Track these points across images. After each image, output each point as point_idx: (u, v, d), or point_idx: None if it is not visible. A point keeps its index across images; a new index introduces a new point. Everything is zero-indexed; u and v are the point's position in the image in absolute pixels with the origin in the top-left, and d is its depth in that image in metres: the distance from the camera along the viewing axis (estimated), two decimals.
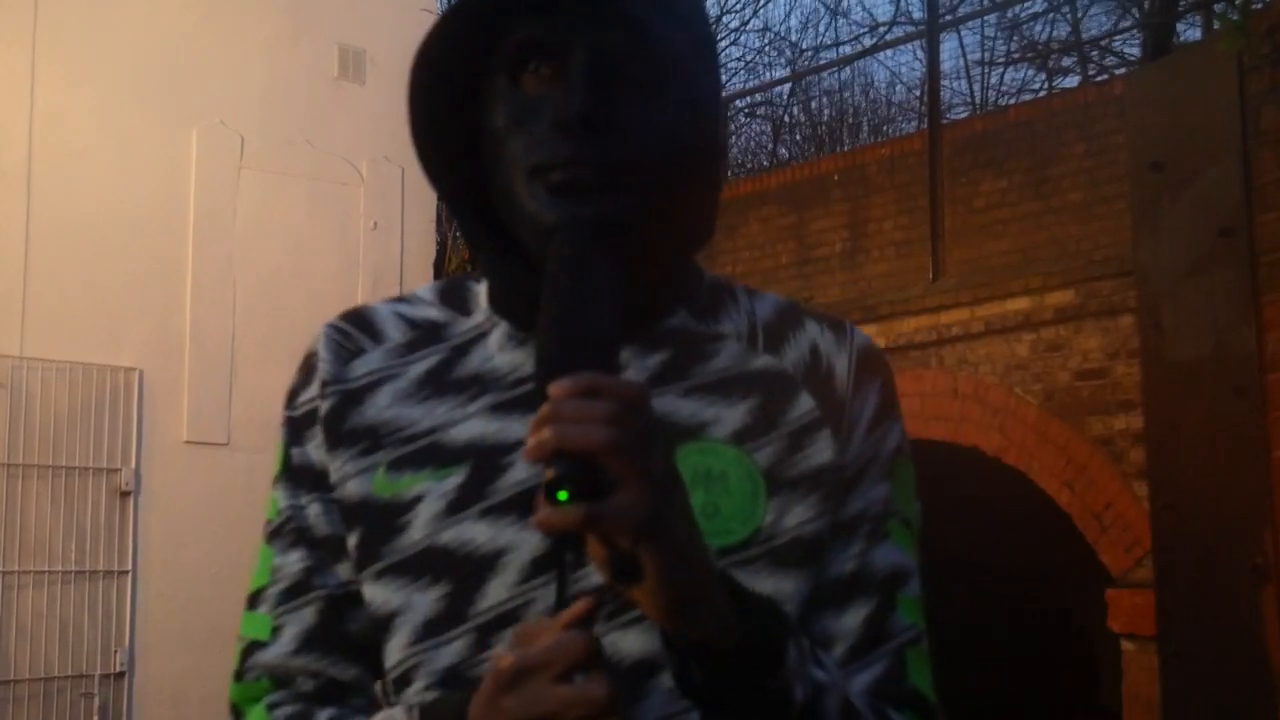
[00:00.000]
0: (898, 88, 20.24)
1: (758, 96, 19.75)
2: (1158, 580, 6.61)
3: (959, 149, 8.79)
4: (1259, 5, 6.23)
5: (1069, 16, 14.84)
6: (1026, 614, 10.55)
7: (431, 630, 1.21)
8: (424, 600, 1.21)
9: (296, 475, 1.32)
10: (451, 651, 1.19)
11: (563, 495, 0.98)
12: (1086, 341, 7.63)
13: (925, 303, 8.39)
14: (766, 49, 21.64)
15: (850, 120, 21.14)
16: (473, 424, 1.26)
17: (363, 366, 1.31)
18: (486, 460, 1.24)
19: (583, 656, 1.01)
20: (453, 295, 1.35)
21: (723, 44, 22.26)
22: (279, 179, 11.18)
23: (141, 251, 10.32)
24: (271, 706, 1.29)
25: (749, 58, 22.03)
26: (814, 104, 20.87)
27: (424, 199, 12.38)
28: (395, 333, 1.33)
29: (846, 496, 1.25)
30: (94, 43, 10.30)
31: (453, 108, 1.26)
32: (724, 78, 20.50)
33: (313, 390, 1.34)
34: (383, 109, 11.83)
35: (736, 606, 1.08)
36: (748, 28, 22.12)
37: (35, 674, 9.38)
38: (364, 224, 11.69)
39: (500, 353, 1.29)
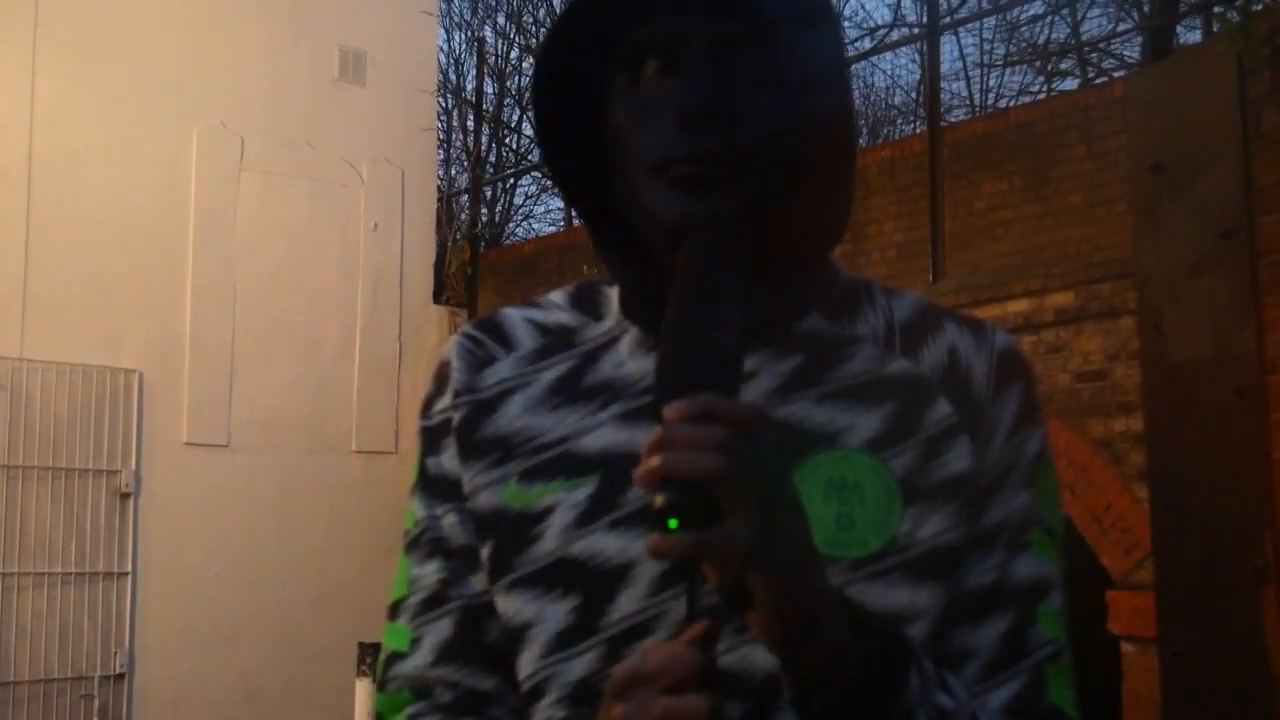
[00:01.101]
0: (897, 90, 20.24)
1: None
2: (1158, 582, 6.60)
3: (959, 151, 8.78)
4: (1259, 7, 6.22)
5: (1068, 19, 14.84)
6: None
7: (563, 642, 1.20)
8: (556, 612, 1.21)
9: (432, 485, 1.31)
10: (583, 664, 1.18)
11: (672, 523, 0.97)
12: (1087, 343, 7.63)
13: None
14: None
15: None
16: (603, 433, 1.24)
17: (494, 375, 1.30)
18: (617, 470, 1.22)
19: (693, 672, 1.00)
20: (585, 299, 1.33)
21: None
22: (279, 180, 11.18)
23: (142, 253, 10.33)
24: (412, 718, 1.28)
25: None
26: (854, 99, 20.87)
27: (424, 200, 12.39)
28: (527, 340, 1.32)
29: (986, 505, 1.22)
30: (95, 44, 10.31)
31: (575, 110, 1.23)
32: None
33: (446, 400, 1.32)
34: (383, 111, 11.84)
35: (856, 632, 1.05)
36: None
37: (35, 675, 9.38)
38: (364, 225, 11.69)
39: (631, 359, 1.27)
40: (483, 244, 13.71)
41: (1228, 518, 6.16)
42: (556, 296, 1.36)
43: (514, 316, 1.35)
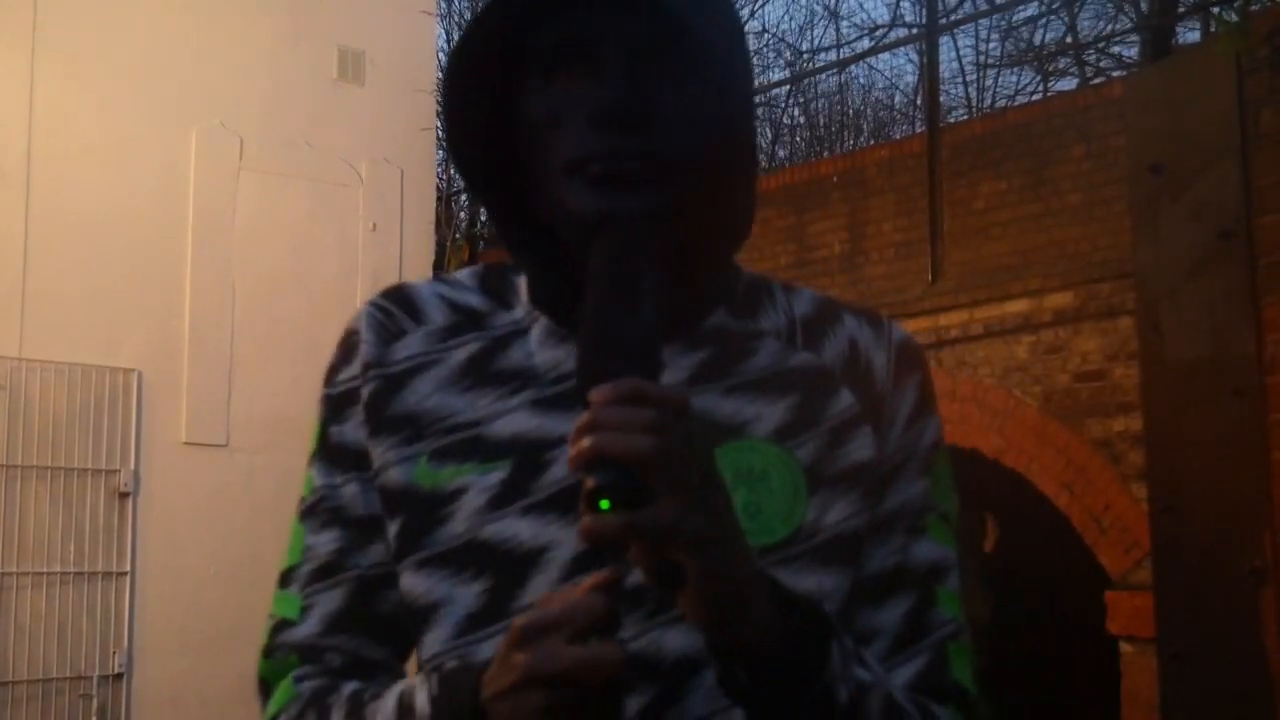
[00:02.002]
0: (896, 92, 20.25)
1: (757, 98, 19.77)
2: (1156, 582, 6.61)
3: (958, 151, 8.79)
4: (1257, 7, 6.23)
5: (1065, 19, 14.85)
6: (1024, 615, 10.55)
7: (473, 624, 1.21)
8: (466, 594, 1.22)
9: (333, 454, 1.33)
10: (492, 646, 1.18)
11: (604, 504, 0.98)
12: (1085, 343, 7.64)
13: (924, 305, 8.39)
14: (765, 50, 21.64)
15: (847, 122, 21.16)
16: (515, 418, 1.25)
17: (404, 350, 1.31)
18: (529, 456, 1.24)
19: (599, 618, 1.02)
20: (493, 284, 1.35)
21: None
22: (278, 180, 11.18)
23: (141, 253, 10.33)
24: (299, 679, 1.29)
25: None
26: (813, 106, 20.88)
27: (423, 200, 12.39)
28: (437, 315, 1.32)
29: (885, 492, 1.26)
30: (94, 44, 10.30)
31: (488, 107, 1.25)
32: None
33: (354, 369, 1.32)
34: (382, 110, 11.84)
35: (780, 609, 1.08)
36: (746, 29, 22.13)
37: (34, 675, 9.38)
38: (363, 225, 11.69)
39: (541, 349, 1.29)
40: (482, 243, 13.73)
41: (1226, 518, 6.16)
42: (464, 276, 1.37)
43: (424, 290, 1.35)
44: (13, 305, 9.74)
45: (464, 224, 13.89)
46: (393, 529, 1.27)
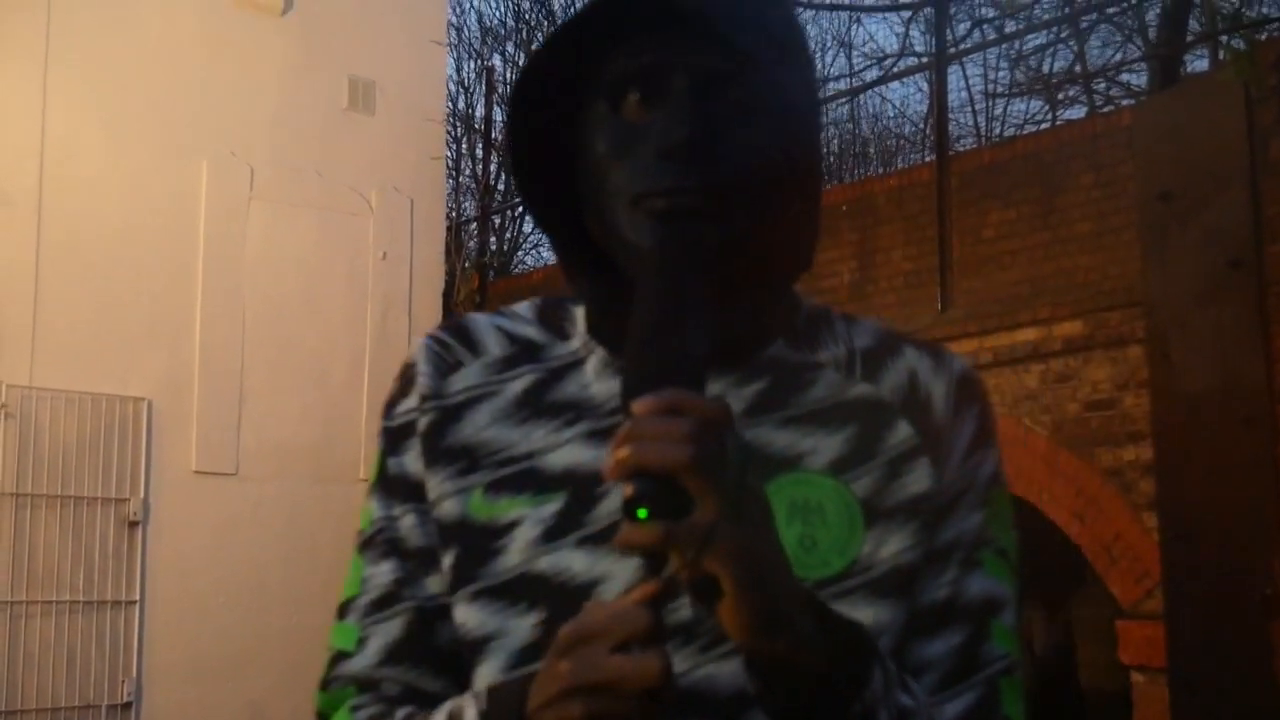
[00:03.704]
0: (905, 121, 20.28)
1: None
2: (1168, 611, 6.59)
3: (967, 180, 8.80)
4: (1264, 36, 6.24)
5: (1073, 47, 14.87)
6: (1036, 644, 10.51)
7: (527, 657, 1.20)
8: (520, 627, 1.22)
9: (391, 486, 1.32)
10: None
11: (642, 513, 0.98)
12: (1095, 372, 7.63)
13: (933, 333, 8.38)
14: None
15: (856, 150, 21.19)
16: (569, 451, 1.26)
17: (461, 381, 1.31)
18: (583, 489, 1.24)
19: (642, 629, 1.02)
20: (551, 316, 1.35)
21: None
22: (288, 209, 11.21)
23: (151, 282, 10.35)
24: (355, 709, 1.29)
25: None
26: (823, 135, 20.93)
27: (433, 229, 12.41)
28: (494, 347, 1.33)
29: (941, 524, 1.25)
30: (105, 73, 10.34)
31: (550, 135, 1.26)
32: None
33: (411, 402, 1.33)
34: (392, 140, 11.87)
35: (821, 626, 1.07)
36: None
37: (42, 704, 9.36)
38: (373, 254, 11.71)
39: (597, 380, 1.29)
40: (491, 272, 13.75)
41: (1237, 547, 6.15)
42: (522, 309, 1.37)
43: (482, 322, 1.36)
44: (23, 334, 9.76)
45: (473, 253, 13.90)
46: (447, 560, 1.27)
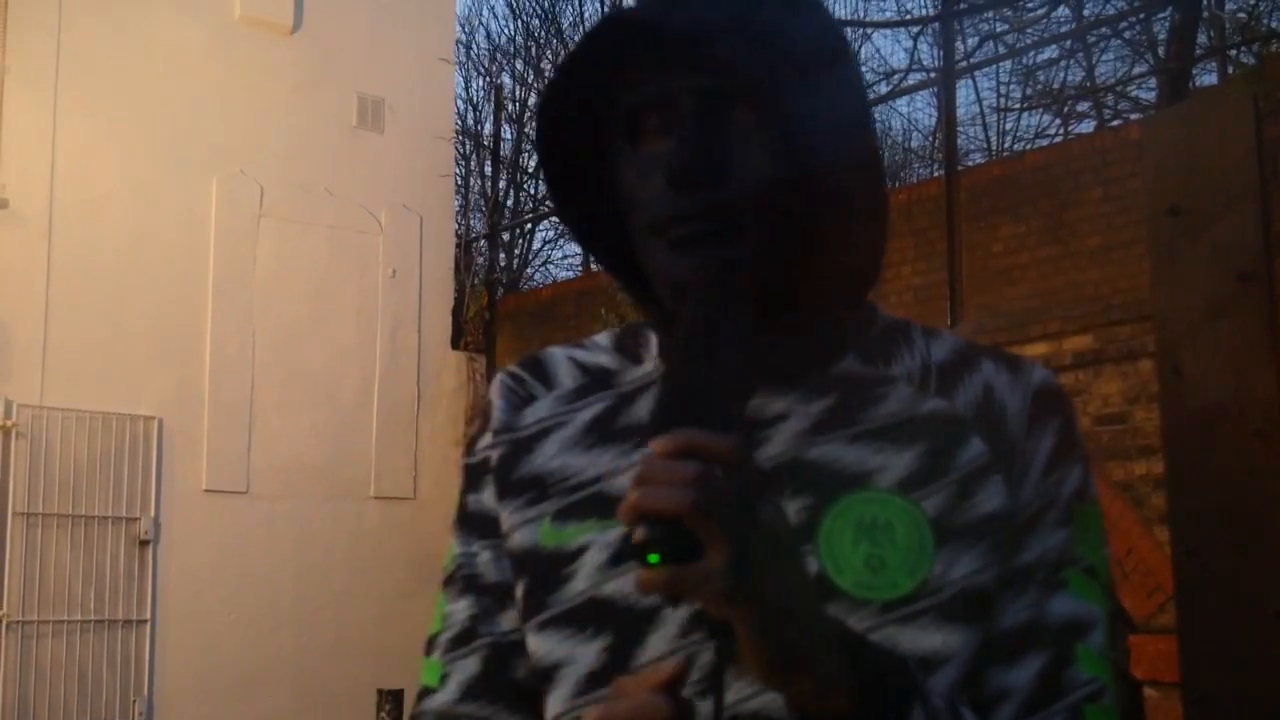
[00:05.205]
0: (914, 134, 20.27)
1: None
2: (1180, 626, 6.56)
3: (976, 194, 8.79)
4: (1273, 49, 6.24)
5: (1083, 62, 14.88)
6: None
7: (594, 683, 1.21)
8: (587, 652, 1.22)
9: (470, 522, 1.34)
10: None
11: (653, 558, 0.97)
12: (1106, 386, 7.62)
13: None
14: None
15: None
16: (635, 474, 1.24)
17: (532, 414, 1.33)
18: None
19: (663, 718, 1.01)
20: (627, 342, 1.35)
21: None
22: (298, 227, 11.23)
23: (161, 300, 10.37)
24: None
25: None
26: (875, 141, 20.94)
27: (442, 246, 12.43)
28: (567, 379, 1.34)
29: (1020, 543, 1.21)
30: (115, 92, 10.38)
31: (584, 165, 1.27)
32: None
33: (487, 438, 1.35)
34: (402, 157, 11.90)
35: (853, 666, 1.04)
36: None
37: None
38: (382, 271, 11.73)
39: None
40: (500, 289, 13.75)
41: (1250, 561, 6.13)
42: (601, 338, 1.38)
43: (557, 355, 1.37)
44: (34, 353, 9.78)
45: (483, 270, 13.91)
46: (519, 590, 1.28)
